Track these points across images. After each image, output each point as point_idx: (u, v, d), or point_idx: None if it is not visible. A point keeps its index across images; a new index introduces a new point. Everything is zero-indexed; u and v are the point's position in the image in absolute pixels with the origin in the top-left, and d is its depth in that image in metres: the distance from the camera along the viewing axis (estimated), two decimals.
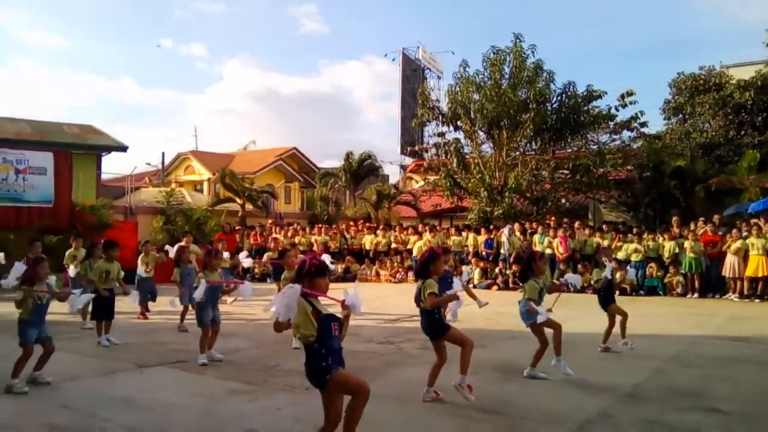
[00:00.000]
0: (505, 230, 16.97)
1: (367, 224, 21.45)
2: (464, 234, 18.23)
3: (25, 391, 5.70)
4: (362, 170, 29.08)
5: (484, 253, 17.37)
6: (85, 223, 17.05)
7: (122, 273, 8.88)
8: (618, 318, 7.65)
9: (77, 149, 20.24)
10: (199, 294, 6.85)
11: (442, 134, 22.67)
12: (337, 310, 3.85)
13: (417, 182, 31.21)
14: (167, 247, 12.39)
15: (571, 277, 6.85)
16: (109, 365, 6.85)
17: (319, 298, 3.79)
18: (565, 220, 17.54)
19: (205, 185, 34.09)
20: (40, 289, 5.93)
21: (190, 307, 9.49)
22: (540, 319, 5.88)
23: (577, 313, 11.11)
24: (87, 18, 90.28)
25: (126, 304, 10.66)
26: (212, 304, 7.20)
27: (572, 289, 7.00)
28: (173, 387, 5.99)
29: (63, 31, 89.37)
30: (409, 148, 31.00)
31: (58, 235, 15.23)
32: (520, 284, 6.82)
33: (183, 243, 12.87)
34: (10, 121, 22.07)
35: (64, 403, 5.32)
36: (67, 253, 11.06)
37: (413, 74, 38.34)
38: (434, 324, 5.42)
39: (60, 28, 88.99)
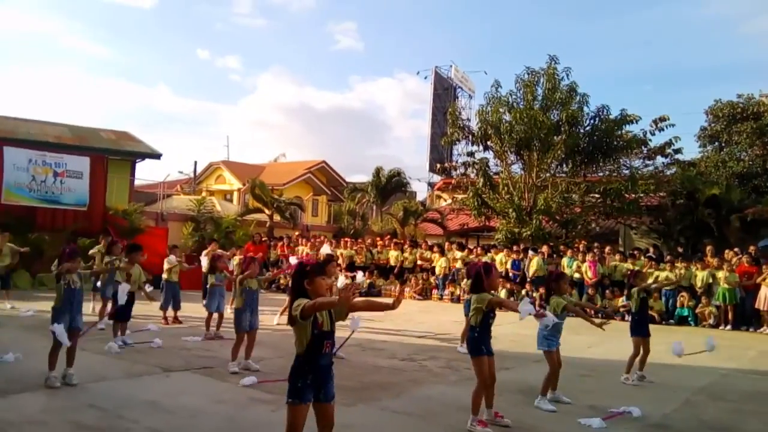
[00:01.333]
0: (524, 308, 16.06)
1: (393, 240, 21.44)
2: (490, 254, 18.05)
3: (57, 386, 5.87)
4: (390, 186, 29.18)
5: (511, 275, 17.18)
6: (118, 227, 17.40)
7: (144, 277, 9.17)
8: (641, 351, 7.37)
9: (113, 155, 20.76)
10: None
11: (471, 153, 22.64)
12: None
13: (445, 200, 31.15)
14: (202, 257, 12.64)
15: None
16: (136, 368, 6.95)
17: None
18: (596, 244, 17.28)
19: (235, 195, 34.54)
20: (73, 278, 6.14)
21: (215, 316, 9.63)
22: (546, 321, 5.67)
23: (602, 339, 10.91)
24: (128, 26, 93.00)
25: (155, 309, 10.90)
26: (251, 309, 7.29)
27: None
28: (198, 392, 6.04)
29: (105, 40, 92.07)
30: (438, 166, 31.01)
31: (91, 238, 15.55)
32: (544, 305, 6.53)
33: (209, 249, 13.06)
34: (50, 125, 22.78)
35: (91, 403, 5.41)
36: (95, 248, 11.33)
37: (445, 93, 38.46)
38: (471, 341, 5.34)
39: (103, 36, 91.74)
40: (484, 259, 17.82)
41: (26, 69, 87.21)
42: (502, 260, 17.41)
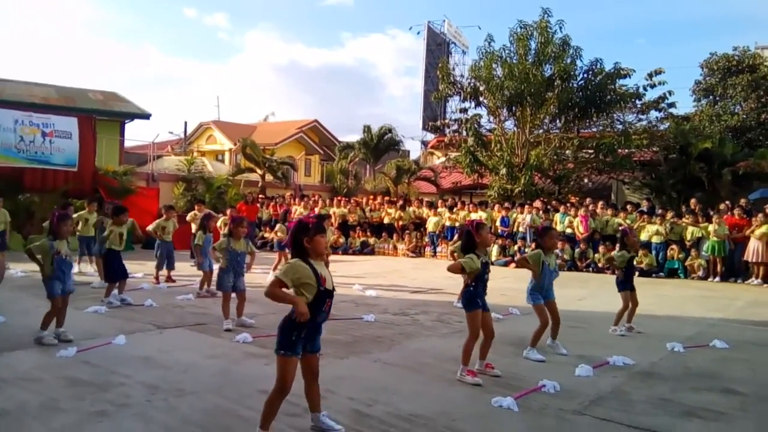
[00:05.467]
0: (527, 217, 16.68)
1: (387, 198, 21.43)
2: (481, 211, 18.01)
3: (54, 342, 5.91)
4: (382, 144, 28.98)
5: (499, 231, 17.23)
6: (109, 188, 17.28)
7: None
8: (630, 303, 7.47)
9: (101, 115, 20.45)
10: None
11: (464, 110, 22.46)
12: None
13: (438, 158, 31.05)
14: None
15: None
16: (129, 326, 6.99)
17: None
18: (588, 200, 17.32)
19: (227, 156, 34.25)
20: (62, 246, 6.10)
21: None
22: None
23: (594, 292, 11.08)
24: None
25: (149, 268, 10.95)
26: (235, 272, 7.30)
27: None
28: (191, 348, 6.09)
29: None
30: (430, 124, 30.80)
31: (81, 199, 15.45)
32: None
33: (196, 210, 12.99)
34: (36, 86, 22.36)
35: (84, 360, 5.45)
36: (77, 214, 11.26)
37: (438, 48, 37.88)
38: (466, 295, 5.31)
39: None
40: (474, 216, 17.87)
41: (9, 28, 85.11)
42: (488, 216, 17.45)
